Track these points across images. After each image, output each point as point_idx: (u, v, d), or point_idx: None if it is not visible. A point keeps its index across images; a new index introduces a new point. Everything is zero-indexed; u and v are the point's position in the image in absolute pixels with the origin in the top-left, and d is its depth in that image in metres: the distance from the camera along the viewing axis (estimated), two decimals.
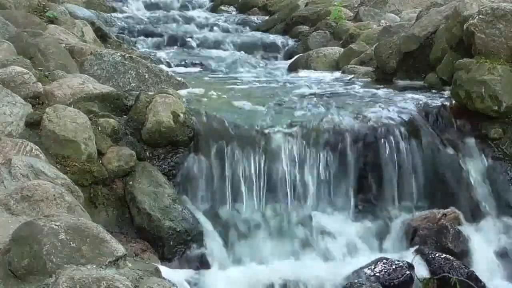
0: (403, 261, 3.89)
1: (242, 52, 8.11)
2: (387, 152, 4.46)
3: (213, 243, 3.99)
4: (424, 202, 4.46)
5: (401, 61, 5.71)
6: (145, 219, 3.91)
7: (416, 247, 4.12)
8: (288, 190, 4.29)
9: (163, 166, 4.22)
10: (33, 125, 3.96)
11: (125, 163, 4.05)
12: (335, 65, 6.74)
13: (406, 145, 4.50)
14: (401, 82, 5.62)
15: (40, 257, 2.63)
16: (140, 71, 5.08)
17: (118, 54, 5.24)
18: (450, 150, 4.57)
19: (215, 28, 9.24)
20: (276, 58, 8.20)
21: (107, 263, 2.72)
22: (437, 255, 3.96)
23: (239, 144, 4.28)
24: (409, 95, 5.09)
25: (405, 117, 4.65)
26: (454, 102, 4.79)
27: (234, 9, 11.08)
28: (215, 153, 4.25)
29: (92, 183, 3.95)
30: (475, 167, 4.53)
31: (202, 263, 3.89)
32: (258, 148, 4.29)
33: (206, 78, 6.01)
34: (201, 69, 7.21)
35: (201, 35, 8.70)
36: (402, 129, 4.55)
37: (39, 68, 4.66)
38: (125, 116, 4.36)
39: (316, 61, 6.86)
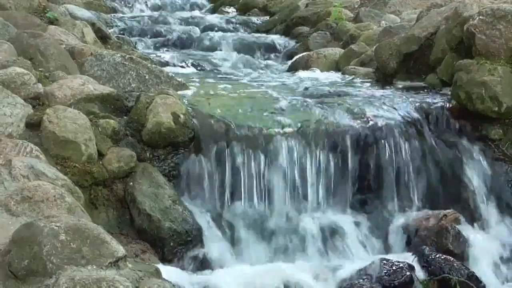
0: (404, 261, 3.88)
1: (242, 53, 8.11)
2: (387, 153, 4.46)
3: (213, 244, 3.99)
4: (424, 203, 4.46)
5: (401, 62, 5.71)
6: (145, 220, 3.91)
7: (417, 248, 4.12)
8: (289, 190, 4.29)
9: (164, 167, 4.22)
10: (33, 126, 3.96)
11: (125, 164, 4.06)
12: (336, 66, 6.74)
13: (406, 146, 4.51)
14: (401, 83, 5.62)
15: (40, 258, 2.64)
16: (140, 72, 5.08)
17: (119, 55, 5.24)
18: (450, 151, 4.58)
19: (215, 29, 9.25)
20: (276, 59, 8.21)
21: (107, 264, 2.72)
22: (437, 256, 3.96)
23: (240, 145, 4.28)
24: (409, 96, 5.09)
25: (405, 118, 4.65)
26: (454, 103, 4.79)
27: (235, 10, 11.09)
28: (216, 154, 4.25)
29: (92, 184, 3.95)
30: (475, 168, 4.53)
31: (203, 264, 3.89)
32: (259, 149, 4.29)
33: (206, 79, 6.01)
34: (202, 70, 7.21)
35: (201, 36, 8.71)
36: (402, 130, 4.56)
37: (40, 69, 4.67)
38: (125, 117, 4.36)
39: (316, 62, 6.86)
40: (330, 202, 4.38)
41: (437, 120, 4.72)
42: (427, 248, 4.07)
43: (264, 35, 9.02)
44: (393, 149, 4.47)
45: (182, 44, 8.43)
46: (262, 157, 4.28)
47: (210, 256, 3.93)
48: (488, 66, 4.60)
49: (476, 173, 4.51)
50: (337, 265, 3.98)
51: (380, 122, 4.57)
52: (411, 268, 3.84)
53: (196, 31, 8.94)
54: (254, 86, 5.58)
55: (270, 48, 8.44)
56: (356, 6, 9.33)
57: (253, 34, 9.19)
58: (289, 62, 7.49)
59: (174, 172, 4.22)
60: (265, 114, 4.61)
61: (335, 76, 6.23)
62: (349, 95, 5.15)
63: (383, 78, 5.81)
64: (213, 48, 8.30)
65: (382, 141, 4.48)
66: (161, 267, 3.34)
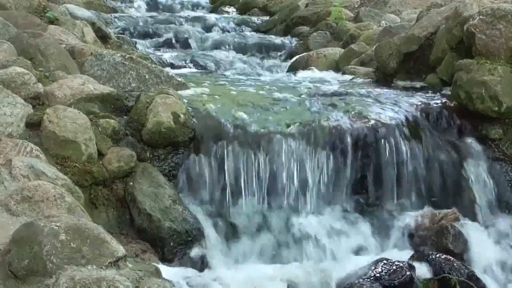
0: (403, 261, 3.88)
1: (242, 53, 8.12)
2: (387, 153, 4.46)
3: (213, 244, 3.99)
4: (424, 203, 4.46)
5: (401, 62, 5.71)
6: (145, 220, 3.91)
7: (417, 247, 4.12)
8: (288, 190, 4.29)
9: (164, 167, 4.22)
10: (33, 126, 3.96)
11: (125, 164, 4.06)
12: (336, 66, 6.75)
13: (406, 146, 4.50)
14: (401, 83, 5.62)
15: (40, 257, 2.64)
16: (140, 71, 5.08)
17: (119, 54, 5.24)
18: (450, 151, 4.58)
19: (215, 28, 9.26)
20: (276, 58, 8.21)
21: (107, 263, 2.72)
22: (437, 255, 3.96)
23: (240, 145, 4.28)
24: (410, 95, 5.09)
25: (406, 117, 4.65)
26: (454, 102, 4.79)
27: (235, 10, 11.10)
28: (216, 154, 4.25)
29: (93, 184, 3.95)
30: (475, 168, 4.53)
31: (203, 264, 3.89)
32: (258, 149, 4.29)
33: (206, 79, 6.01)
34: (202, 70, 7.22)
35: (201, 35, 8.71)
36: (403, 129, 4.55)
37: (40, 69, 4.67)
38: (125, 117, 4.36)
39: (316, 62, 6.87)
40: (331, 202, 4.38)
41: (437, 120, 4.72)
42: (427, 247, 4.08)
43: (264, 35, 9.02)
44: (393, 149, 4.47)
45: (182, 43, 8.44)
46: (262, 157, 4.28)
47: (210, 256, 3.93)
48: (488, 66, 4.60)
49: (476, 173, 4.52)
50: (337, 265, 3.98)
51: (380, 122, 4.57)
52: (411, 268, 3.84)
53: (196, 31, 8.94)
54: (254, 86, 5.58)
55: (270, 48, 8.45)
56: (356, 6, 9.34)
57: (253, 34, 9.19)
58: (289, 62, 7.49)
59: (174, 171, 4.22)
60: (265, 113, 4.61)
61: (335, 76, 6.23)
62: (349, 94, 5.15)
63: (383, 78, 5.81)
64: (213, 48, 8.31)
65: (382, 140, 4.48)
66: (161, 267, 3.34)
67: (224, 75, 6.63)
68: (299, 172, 4.32)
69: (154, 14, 10.18)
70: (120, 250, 2.81)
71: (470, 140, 4.63)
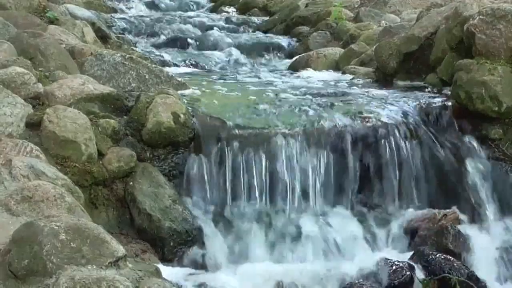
0: (404, 261, 3.88)
1: (242, 52, 8.12)
2: (387, 153, 4.46)
3: (213, 244, 3.99)
4: (424, 203, 4.45)
5: (401, 62, 5.71)
6: (145, 219, 3.91)
7: (417, 247, 4.12)
8: (289, 190, 4.29)
9: (164, 167, 4.22)
10: (33, 126, 3.96)
11: (126, 164, 4.05)
12: (336, 66, 6.74)
13: (406, 146, 4.50)
14: (402, 83, 5.62)
15: (40, 257, 2.64)
16: (140, 71, 5.08)
17: (119, 54, 5.24)
18: (450, 151, 4.57)
19: (215, 28, 9.25)
20: (276, 58, 8.21)
21: (107, 263, 2.72)
22: (437, 255, 3.96)
23: (240, 145, 4.27)
24: (410, 95, 5.09)
25: (406, 117, 4.65)
26: (454, 102, 4.79)
27: (235, 10, 11.10)
28: (216, 154, 4.25)
29: (93, 183, 3.95)
30: (475, 168, 4.52)
31: (203, 264, 3.89)
32: (259, 149, 4.29)
33: (206, 79, 6.01)
34: (201, 70, 7.22)
35: (201, 35, 8.71)
36: (403, 129, 4.55)
37: (40, 69, 4.67)
38: (125, 117, 4.36)
39: (316, 62, 6.86)
40: (331, 201, 4.37)
41: (437, 119, 4.72)
42: (427, 247, 4.08)
43: (264, 35, 9.02)
44: (393, 148, 4.47)
45: (182, 43, 8.43)
46: (263, 156, 4.28)
47: (210, 256, 3.93)
48: (488, 65, 4.60)
49: (476, 173, 4.51)
50: (337, 265, 3.98)
51: (380, 122, 4.57)
52: (411, 267, 3.84)
53: (196, 31, 8.94)
54: (254, 86, 5.58)
55: (270, 48, 8.44)
56: (356, 5, 9.34)
57: (253, 33, 9.19)
58: (289, 62, 7.49)
59: (174, 171, 4.22)
60: (265, 113, 4.61)
61: (335, 76, 6.23)
62: (349, 94, 5.15)
63: (383, 78, 5.81)
64: (213, 47, 8.30)
65: (382, 140, 4.48)
66: (161, 266, 3.34)
67: (224, 75, 6.62)
68: (299, 172, 4.32)
69: (154, 14, 10.18)
70: (120, 250, 2.81)
71: (470, 140, 4.63)
